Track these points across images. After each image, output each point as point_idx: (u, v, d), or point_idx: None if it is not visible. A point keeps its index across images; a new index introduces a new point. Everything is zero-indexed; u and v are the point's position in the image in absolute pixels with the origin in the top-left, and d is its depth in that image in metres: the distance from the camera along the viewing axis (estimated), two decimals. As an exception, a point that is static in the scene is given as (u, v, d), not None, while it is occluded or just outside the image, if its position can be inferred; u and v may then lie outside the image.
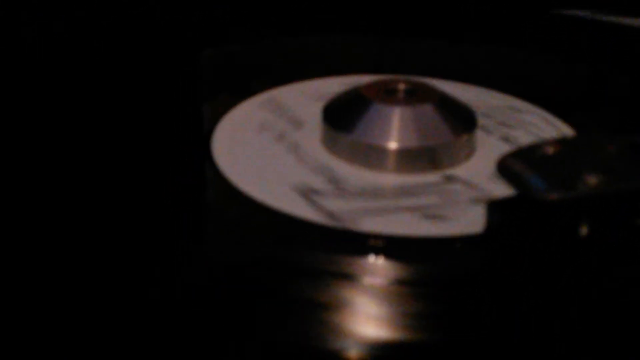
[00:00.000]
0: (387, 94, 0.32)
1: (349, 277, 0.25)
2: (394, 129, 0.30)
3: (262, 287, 0.25)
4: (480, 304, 0.24)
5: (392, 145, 0.30)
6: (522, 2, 0.50)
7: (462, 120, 0.31)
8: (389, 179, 0.30)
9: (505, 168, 0.25)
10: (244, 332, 0.23)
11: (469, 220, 0.27)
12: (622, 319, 0.24)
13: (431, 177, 0.30)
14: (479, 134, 0.32)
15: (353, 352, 0.22)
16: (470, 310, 0.24)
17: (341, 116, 0.31)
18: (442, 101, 0.31)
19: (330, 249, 0.26)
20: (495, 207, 0.26)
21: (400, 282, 0.25)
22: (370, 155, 0.30)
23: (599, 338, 0.23)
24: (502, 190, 0.27)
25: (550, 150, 0.26)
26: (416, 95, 0.31)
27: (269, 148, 0.32)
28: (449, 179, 0.30)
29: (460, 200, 0.28)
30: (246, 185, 0.29)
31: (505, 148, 0.31)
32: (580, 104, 0.38)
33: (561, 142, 0.26)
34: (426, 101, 0.31)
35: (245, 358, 0.22)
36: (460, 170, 0.30)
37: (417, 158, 0.30)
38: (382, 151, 0.30)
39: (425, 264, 0.26)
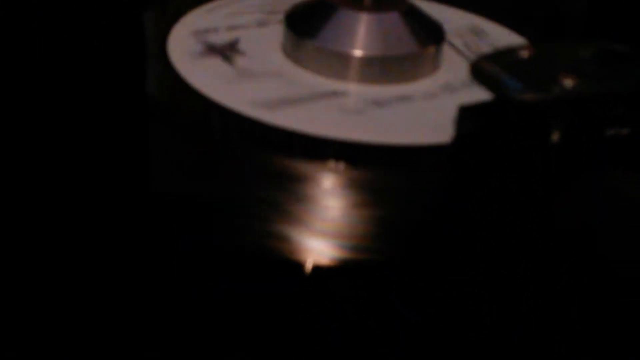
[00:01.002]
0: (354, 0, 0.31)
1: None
2: (359, 37, 0.29)
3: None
4: (448, 217, 0.24)
5: (357, 52, 0.29)
6: None
7: (430, 32, 0.31)
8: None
9: (479, 70, 0.25)
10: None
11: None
12: (589, 229, 0.23)
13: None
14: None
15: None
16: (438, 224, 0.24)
17: (304, 22, 0.30)
18: (411, 11, 0.31)
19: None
20: (467, 112, 0.25)
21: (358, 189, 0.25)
22: (333, 63, 0.30)
23: (566, 251, 0.23)
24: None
25: (524, 54, 0.25)
26: (384, 2, 0.31)
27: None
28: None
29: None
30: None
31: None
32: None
33: (535, 46, 0.26)
34: (394, 9, 0.30)
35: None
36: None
37: (381, 67, 0.29)
38: (346, 58, 0.29)
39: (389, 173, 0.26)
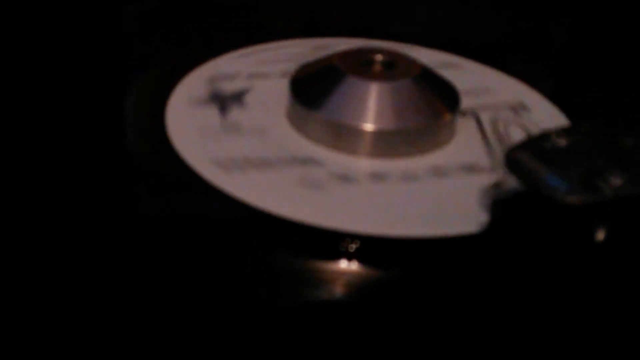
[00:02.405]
0: (363, 66, 0.28)
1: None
2: (370, 108, 0.27)
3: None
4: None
5: (368, 126, 0.27)
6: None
7: (445, 99, 0.28)
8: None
9: (515, 163, 0.22)
10: None
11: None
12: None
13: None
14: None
15: None
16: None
17: (311, 90, 0.28)
18: (423, 76, 0.28)
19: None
20: (501, 205, 0.23)
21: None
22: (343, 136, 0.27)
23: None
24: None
25: (562, 141, 0.23)
26: (395, 69, 0.28)
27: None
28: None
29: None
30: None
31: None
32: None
33: (571, 131, 0.23)
34: (405, 76, 0.28)
35: None
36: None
37: (394, 141, 0.27)
38: (357, 132, 0.27)
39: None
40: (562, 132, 0.23)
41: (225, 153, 0.26)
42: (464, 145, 0.28)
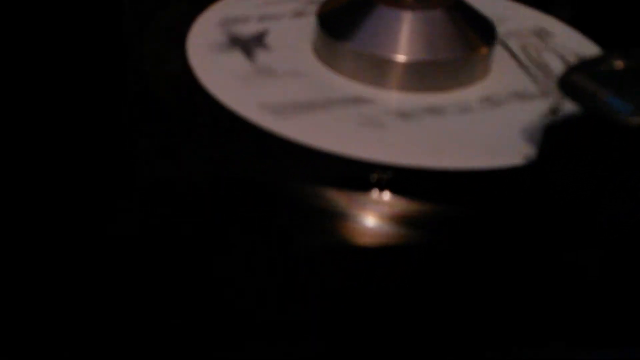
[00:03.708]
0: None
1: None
2: (402, 39, 0.26)
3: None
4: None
5: (397, 57, 0.25)
6: None
7: (480, 32, 0.27)
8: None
9: (572, 85, 0.21)
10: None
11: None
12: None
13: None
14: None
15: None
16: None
17: (339, 21, 0.26)
18: (458, 6, 0.27)
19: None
20: (557, 129, 0.22)
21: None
22: (370, 68, 0.26)
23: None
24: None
25: (619, 64, 0.22)
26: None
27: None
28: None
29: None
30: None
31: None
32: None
33: (628, 54, 0.22)
34: (438, 5, 0.26)
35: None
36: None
37: (423, 74, 0.26)
38: (385, 63, 0.25)
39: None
40: (618, 54, 0.22)
41: (267, 98, 0.25)
42: (506, 74, 0.27)
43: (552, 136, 0.22)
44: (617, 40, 0.28)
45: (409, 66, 0.25)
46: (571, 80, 0.21)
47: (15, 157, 0.22)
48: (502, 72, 0.27)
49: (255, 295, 0.19)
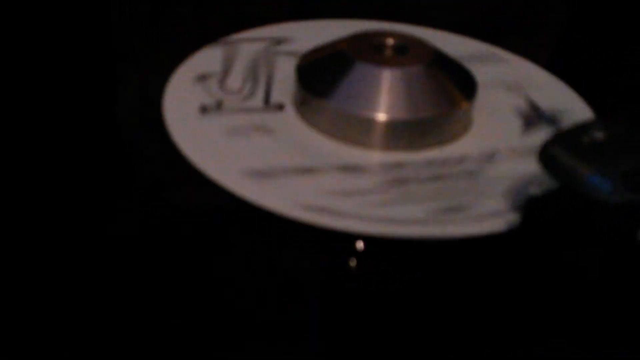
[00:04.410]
0: (374, 51, 0.26)
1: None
2: (382, 97, 0.25)
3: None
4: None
5: (378, 116, 0.25)
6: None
7: (461, 85, 0.26)
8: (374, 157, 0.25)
9: (551, 159, 0.21)
10: None
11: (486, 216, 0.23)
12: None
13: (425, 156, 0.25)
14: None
15: None
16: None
17: (318, 77, 0.26)
18: (438, 61, 0.26)
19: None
20: (536, 204, 0.21)
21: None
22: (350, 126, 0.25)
23: None
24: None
25: (599, 135, 0.21)
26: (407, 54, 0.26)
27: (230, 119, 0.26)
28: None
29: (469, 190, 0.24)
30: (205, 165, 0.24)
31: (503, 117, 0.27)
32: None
33: (608, 123, 0.22)
34: (418, 61, 0.26)
35: None
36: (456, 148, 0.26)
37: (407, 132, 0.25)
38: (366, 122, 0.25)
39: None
40: (598, 124, 0.22)
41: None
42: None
43: (533, 207, 0.22)
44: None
45: (389, 125, 0.25)
46: (550, 154, 0.21)
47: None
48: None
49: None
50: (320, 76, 0.26)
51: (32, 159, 0.24)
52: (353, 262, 0.22)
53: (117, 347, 0.19)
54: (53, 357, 0.19)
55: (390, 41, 0.26)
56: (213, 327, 0.19)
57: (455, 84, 0.26)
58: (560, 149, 0.21)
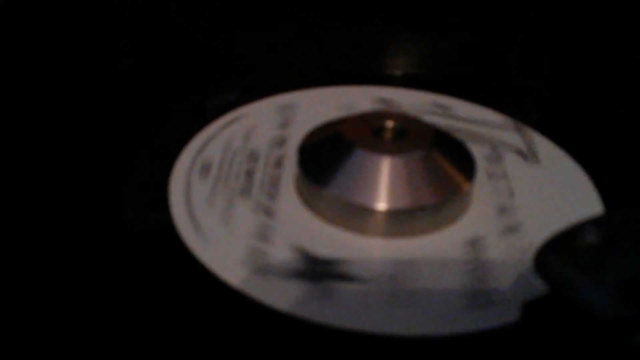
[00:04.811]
0: (373, 136, 0.26)
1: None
2: (382, 185, 0.25)
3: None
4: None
5: (381, 205, 0.25)
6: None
7: (461, 167, 0.26)
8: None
9: (545, 267, 0.21)
10: None
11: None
12: None
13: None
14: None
15: None
16: None
17: (319, 163, 0.26)
18: (436, 144, 0.26)
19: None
20: (531, 310, 0.22)
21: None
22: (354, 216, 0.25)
23: None
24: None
25: (593, 237, 0.21)
26: (407, 138, 0.26)
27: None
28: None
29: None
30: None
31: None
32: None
33: (604, 223, 0.22)
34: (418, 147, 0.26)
35: None
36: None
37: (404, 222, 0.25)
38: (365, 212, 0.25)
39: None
40: (594, 224, 0.22)
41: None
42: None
43: (530, 312, 0.22)
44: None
45: (389, 214, 0.25)
46: (544, 262, 0.21)
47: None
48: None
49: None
50: (321, 162, 0.26)
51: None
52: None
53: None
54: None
55: (389, 123, 0.27)
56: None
57: (454, 167, 0.26)
58: (554, 255, 0.21)
